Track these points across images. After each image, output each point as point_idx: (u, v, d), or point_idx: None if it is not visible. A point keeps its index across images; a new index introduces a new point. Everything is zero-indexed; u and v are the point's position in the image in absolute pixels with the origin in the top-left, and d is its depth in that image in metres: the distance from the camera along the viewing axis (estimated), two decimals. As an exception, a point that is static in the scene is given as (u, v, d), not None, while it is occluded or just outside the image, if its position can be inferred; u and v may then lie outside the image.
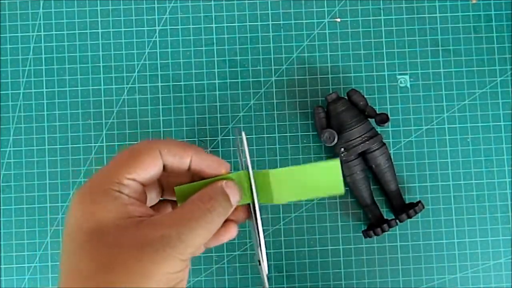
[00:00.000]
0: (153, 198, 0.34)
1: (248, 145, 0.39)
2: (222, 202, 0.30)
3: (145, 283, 0.25)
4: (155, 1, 0.54)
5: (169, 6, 0.54)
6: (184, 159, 0.30)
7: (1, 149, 0.53)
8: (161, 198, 0.36)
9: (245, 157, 0.33)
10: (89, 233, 0.26)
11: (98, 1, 0.54)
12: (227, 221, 0.32)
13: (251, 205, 0.34)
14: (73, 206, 0.28)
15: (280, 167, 0.51)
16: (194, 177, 0.33)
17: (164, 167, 0.31)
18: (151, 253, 0.25)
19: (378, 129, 0.52)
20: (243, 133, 0.33)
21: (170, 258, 0.26)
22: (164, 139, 0.31)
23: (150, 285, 0.25)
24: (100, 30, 0.54)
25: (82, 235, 0.26)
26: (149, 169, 0.29)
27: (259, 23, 0.54)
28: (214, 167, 0.32)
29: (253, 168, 0.33)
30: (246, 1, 0.54)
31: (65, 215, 0.29)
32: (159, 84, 0.53)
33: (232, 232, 0.33)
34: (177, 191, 0.32)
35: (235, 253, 0.52)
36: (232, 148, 0.53)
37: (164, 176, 0.33)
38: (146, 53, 0.54)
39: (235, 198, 0.31)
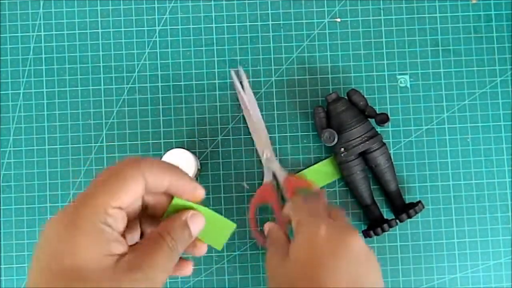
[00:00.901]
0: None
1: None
2: (181, 236, 0.32)
3: None
4: (155, 1, 0.54)
5: (169, 6, 0.54)
6: (163, 182, 0.31)
7: (1, 149, 0.53)
8: None
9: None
10: (65, 271, 0.27)
11: (98, 1, 0.54)
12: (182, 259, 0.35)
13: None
14: (53, 233, 0.28)
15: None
16: (168, 195, 0.34)
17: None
18: None
19: (378, 129, 0.52)
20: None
21: None
22: (146, 159, 0.31)
23: None
24: (100, 30, 0.54)
25: (59, 272, 0.27)
26: (133, 194, 0.30)
27: (259, 23, 0.54)
28: (189, 191, 0.33)
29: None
30: (246, 1, 0.54)
31: (40, 239, 0.29)
32: (159, 84, 0.53)
33: (187, 270, 0.35)
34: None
35: (235, 253, 0.52)
36: (232, 148, 0.53)
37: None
38: (146, 53, 0.54)
39: (196, 230, 0.33)
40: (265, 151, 0.51)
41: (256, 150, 0.52)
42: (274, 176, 0.51)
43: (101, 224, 0.28)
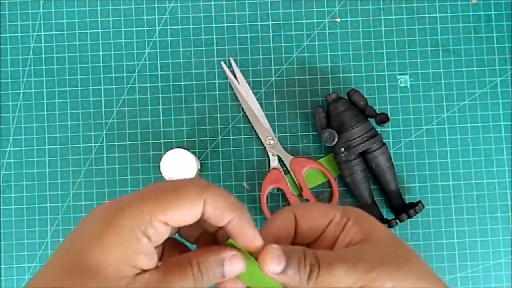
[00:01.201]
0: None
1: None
2: (211, 272, 0.28)
3: None
4: (155, 1, 0.54)
5: (169, 6, 0.54)
6: (223, 218, 0.28)
7: (1, 149, 0.53)
8: None
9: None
10: (81, 266, 0.25)
11: (98, 1, 0.54)
12: None
13: None
14: (88, 224, 0.27)
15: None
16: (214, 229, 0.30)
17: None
18: None
19: (378, 129, 0.52)
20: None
21: None
22: (215, 187, 0.28)
23: None
24: (100, 30, 0.54)
25: (73, 265, 0.25)
26: (185, 217, 0.27)
27: (259, 23, 0.54)
28: (247, 238, 0.29)
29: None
30: (246, 1, 0.54)
31: (77, 225, 0.28)
32: (159, 84, 0.53)
33: None
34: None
35: (235, 253, 0.52)
36: (232, 148, 0.53)
37: None
38: (146, 53, 0.54)
39: (230, 273, 0.28)
40: (268, 138, 0.52)
41: (259, 139, 0.53)
42: (280, 161, 0.52)
43: (139, 233, 0.26)
